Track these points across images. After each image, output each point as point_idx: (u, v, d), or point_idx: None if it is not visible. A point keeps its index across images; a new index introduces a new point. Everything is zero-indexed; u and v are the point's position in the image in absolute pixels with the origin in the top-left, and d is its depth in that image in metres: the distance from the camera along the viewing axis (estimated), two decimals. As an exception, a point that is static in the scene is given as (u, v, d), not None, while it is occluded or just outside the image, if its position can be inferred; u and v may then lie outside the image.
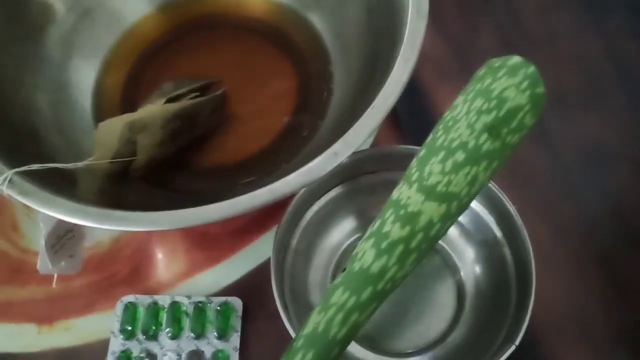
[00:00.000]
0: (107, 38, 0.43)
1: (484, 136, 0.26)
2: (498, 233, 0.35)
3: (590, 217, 0.40)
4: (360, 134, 0.31)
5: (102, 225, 0.30)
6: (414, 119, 0.44)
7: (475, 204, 0.35)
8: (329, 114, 0.40)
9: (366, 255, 0.26)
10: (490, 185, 0.33)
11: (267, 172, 0.37)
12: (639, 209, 0.40)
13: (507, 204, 0.33)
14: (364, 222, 0.38)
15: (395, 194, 0.28)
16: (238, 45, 0.44)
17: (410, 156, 0.34)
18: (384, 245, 0.26)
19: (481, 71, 0.28)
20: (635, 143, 0.42)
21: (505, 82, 0.27)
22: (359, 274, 0.26)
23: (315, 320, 0.26)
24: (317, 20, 0.43)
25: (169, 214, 0.30)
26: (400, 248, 0.26)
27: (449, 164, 0.26)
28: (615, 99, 0.44)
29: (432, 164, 0.27)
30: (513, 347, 0.30)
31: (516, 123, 0.27)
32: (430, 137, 0.28)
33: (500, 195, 0.33)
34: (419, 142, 0.34)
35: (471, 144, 0.26)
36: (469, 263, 0.36)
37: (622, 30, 0.46)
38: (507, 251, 0.34)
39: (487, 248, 0.35)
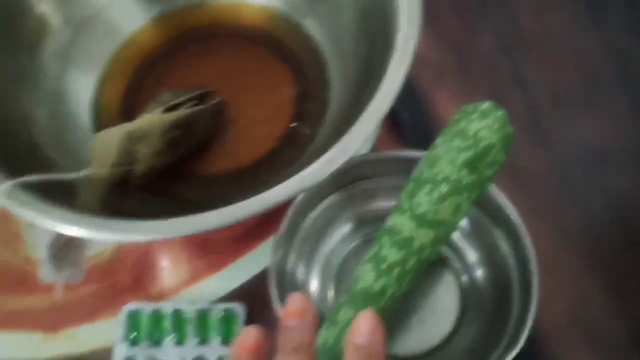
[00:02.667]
0: (104, 50, 0.43)
1: (464, 170, 0.30)
2: (499, 235, 0.35)
3: (593, 217, 0.40)
4: (355, 141, 0.31)
5: (99, 235, 0.30)
6: (413, 122, 0.44)
7: (476, 208, 0.35)
8: (326, 120, 0.40)
9: (367, 277, 0.30)
10: (490, 187, 0.33)
11: (267, 179, 0.37)
12: (640, 208, 0.40)
13: (507, 206, 0.33)
14: (364, 228, 0.38)
15: (389, 222, 0.31)
16: (236, 54, 0.44)
17: (407, 161, 0.34)
18: (383, 267, 0.30)
19: (456, 115, 0.32)
20: (635, 142, 0.42)
21: (479, 124, 0.30)
22: (362, 294, 0.30)
23: (325, 336, 0.29)
24: (312, 27, 0.43)
25: (166, 222, 0.30)
26: (397, 269, 0.30)
27: (435, 195, 0.30)
28: (615, 97, 0.44)
29: (421, 196, 0.30)
30: (517, 350, 0.30)
31: (490, 158, 0.30)
32: (416, 172, 0.32)
33: (500, 196, 0.33)
34: (419, 144, 0.35)
35: (453, 177, 0.30)
36: (471, 265, 0.36)
37: (620, 27, 0.46)
38: (509, 253, 0.34)
39: (489, 250, 0.35)
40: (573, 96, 0.44)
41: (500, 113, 0.31)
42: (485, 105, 0.31)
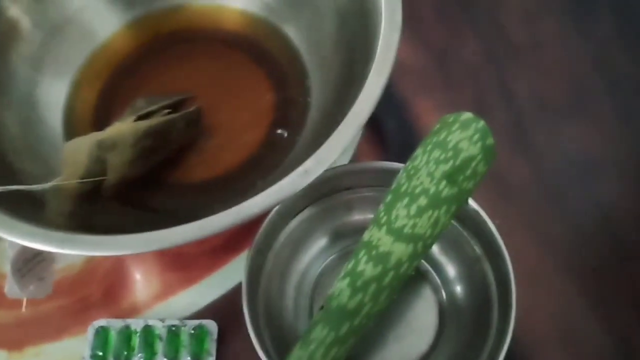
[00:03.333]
0: (77, 55, 0.42)
1: (443, 183, 0.29)
2: (478, 250, 0.34)
3: (578, 228, 0.39)
4: (332, 151, 0.30)
5: (63, 250, 0.29)
6: (395, 131, 0.43)
7: (455, 222, 0.34)
8: (306, 128, 0.39)
9: (343, 294, 0.29)
10: (469, 201, 0.32)
11: (243, 188, 0.36)
12: (626, 220, 0.39)
13: (487, 221, 0.32)
14: (341, 241, 0.37)
15: (366, 236, 0.30)
16: (214, 59, 0.43)
17: (386, 172, 0.33)
18: (359, 283, 0.29)
19: (437, 126, 0.31)
20: (622, 152, 0.41)
21: (459, 135, 0.30)
22: (337, 311, 0.29)
23: (298, 355, 0.28)
24: (293, 33, 0.42)
25: (133, 237, 0.29)
26: (374, 286, 0.29)
27: (413, 209, 0.29)
28: (602, 107, 0.43)
29: (399, 209, 0.29)
30: (496, 368, 0.29)
31: (470, 171, 0.30)
32: (395, 184, 0.30)
33: (479, 211, 0.32)
34: (401, 155, 0.34)
35: (432, 190, 0.29)
36: (450, 281, 0.35)
37: (607, 36, 0.45)
38: (487, 269, 0.33)
39: (468, 266, 0.34)
40: (559, 106, 0.43)
41: (480, 124, 0.30)
42: (466, 115, 0.30)
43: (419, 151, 0.31)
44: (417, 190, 0.29)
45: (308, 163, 0.30)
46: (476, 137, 0.30)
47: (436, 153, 0.30)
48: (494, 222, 0.32)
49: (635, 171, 0.41)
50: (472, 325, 0.33)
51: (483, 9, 0.47)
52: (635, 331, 0.36)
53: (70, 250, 0.29)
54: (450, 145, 0.30)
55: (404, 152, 0.33)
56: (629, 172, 0.41)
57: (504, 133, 0.42)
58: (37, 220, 0.31)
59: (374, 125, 0.42)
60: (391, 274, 0.29)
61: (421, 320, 0.34)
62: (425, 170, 0.30)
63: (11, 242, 0.35)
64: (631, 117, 0.43)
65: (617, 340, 0.36)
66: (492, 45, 0.45)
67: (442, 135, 0.30)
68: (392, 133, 0.42)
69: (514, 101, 0.43)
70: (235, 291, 0.38)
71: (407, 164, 0.31)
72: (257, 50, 0.43)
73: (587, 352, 0.36)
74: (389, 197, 0.30)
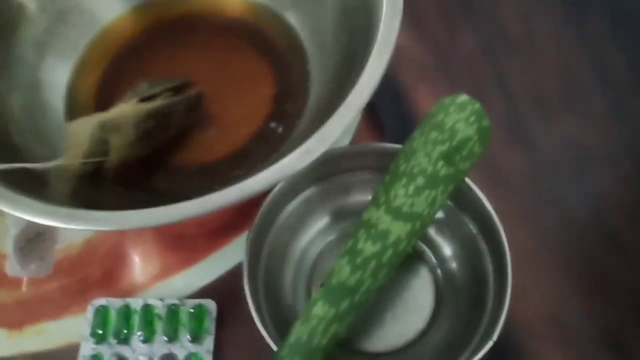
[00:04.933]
0: (81, 38, 0.43)
1: (440, 163, 0.30)
2: (474, 229, 0.34)
3: (571, 219, 0.40)
4: (334, 131, 0.30)
5: (69, 226, 0.29)
6: (393, 119, 0.43)
7: (451, 202, 0.35)
8: (306, 112, 0.39)
9: (343, 271, 0.30)
10: (466, 181, 0.33)
11: (244, 170, 0.37)
12: (619, 210, 0.40)
13: (483, 200, 0.33)
14: (340, 222, 0.37)
15: (365, 216, 0.31)
16: (215, 45, 0.44)
17: (386, 154, 0.34)
18: (358, 260, 0.29)
19: (434, 108, 0.31)
20: (615, 145, 0.42)
21: (456, 117, 0.30)
22: (337, 288, 0.29)
23: (299, 331, 0.29)
24: (293, 19, 0.43)
25: (138, 212, 0.29)
26: (373, 263, 0.29)
27: (411, 188, 0.30)
28: (596, 102, 0.44)
29: (397, 189, 0.30)
30: (491, 343, 0.30)
31: (467, 151, 0.30)
32: (393, 165, 0.31)
33: (476, 192, 0.33)
34: (398, 141, 0.34)
35: (429, 170, 0.30)
36: (446, 259, 0.36)
37: (602, 35, 0.46)
38: (483, 246, 0.34)
39: (464, 244, 0.35)
40: (554, 99, 0.44)
41: (476, 106, 0.31)
42: (462, 98, 0.31)
43: (416, 133, 0.31)
44: (415, 171, 0.30)
45: (310, 142, 0.30)
46: (472, 118, 0.30)
47: (433, 134, 0.30)
48: (490, 203, 0.33)
49: (628, 164, 0.41)
50: (468, 303, 0.34)
51: (481, 4, 0.48)
52: (625, 321, 0.37)
53: (76, 226, 0.29)
54: (447, 126, 0.30)
55: (401, 139, 0.34)
56: (621, 165, 0.42)
57: (500, 124, 0.42)
58: (39, 198, 0.31)
59: (372, 112, 0.43)
60: (390, 251, 0.30)
61: (418, 299, 0.35)
62: (422, 151, 0.30)
63: (14, 221, 0.36)
64: (623, 111, 0.43)
65: (611, 326, 0.37)
66: (490, 39, 0.46)
67: (439, 117, 0.31)
68: (389, 120, 0.43)
69: (510, 94, 0.44)
70: (234, 272, 0.38)
71: (405, 145, 0.32)
72: (257, 36, 0.43)
73: (576, 335, 0.36)
74: (387, 178, 0.31)
